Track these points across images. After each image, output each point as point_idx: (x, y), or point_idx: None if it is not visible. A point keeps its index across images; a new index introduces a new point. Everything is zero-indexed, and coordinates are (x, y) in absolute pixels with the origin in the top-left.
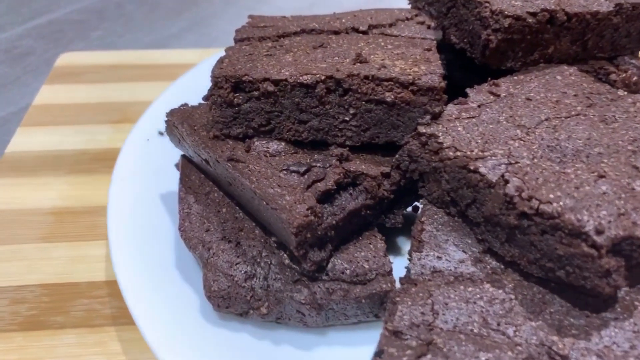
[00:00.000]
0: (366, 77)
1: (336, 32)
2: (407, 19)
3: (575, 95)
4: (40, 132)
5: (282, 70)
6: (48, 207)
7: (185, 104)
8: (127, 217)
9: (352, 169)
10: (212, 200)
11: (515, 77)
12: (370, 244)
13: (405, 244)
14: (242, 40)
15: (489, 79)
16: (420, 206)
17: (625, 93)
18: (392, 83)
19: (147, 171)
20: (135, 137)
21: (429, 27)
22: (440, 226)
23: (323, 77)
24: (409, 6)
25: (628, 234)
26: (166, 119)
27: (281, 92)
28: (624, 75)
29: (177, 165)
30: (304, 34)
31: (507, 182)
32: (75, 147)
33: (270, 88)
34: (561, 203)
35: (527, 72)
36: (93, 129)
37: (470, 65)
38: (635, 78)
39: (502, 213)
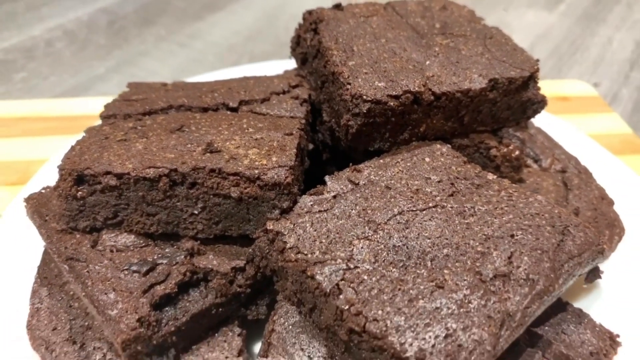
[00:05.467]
0: (212, 171)
1: (205, 109)
2: (284, 91)
3: (439, 182)
4: None
5: (126, 163)
6: None
7: (47, 187)
8: None
9: (201, 265)
10: (65, 293)
11: (381, 161)
12: (225, 341)
13: None
14: (109, 117)
15: (350, 164)
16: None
17: (494, 178)
18: (238, 178)
19: (19, 252)
20: (18, 204)
21: (303, 102)
22: (290, 327)
23: (167, 171)
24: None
25: None
26: (24, 204)
27: (125, 186)
28: (504, 150)
29: None
30: (171, 110)
31: (340, 292)
32: None
33: (113, 182)
34: (388, 322)
35: (394, 154)
36: None
37: None
38: (517, 153)
39: (337, 325)
